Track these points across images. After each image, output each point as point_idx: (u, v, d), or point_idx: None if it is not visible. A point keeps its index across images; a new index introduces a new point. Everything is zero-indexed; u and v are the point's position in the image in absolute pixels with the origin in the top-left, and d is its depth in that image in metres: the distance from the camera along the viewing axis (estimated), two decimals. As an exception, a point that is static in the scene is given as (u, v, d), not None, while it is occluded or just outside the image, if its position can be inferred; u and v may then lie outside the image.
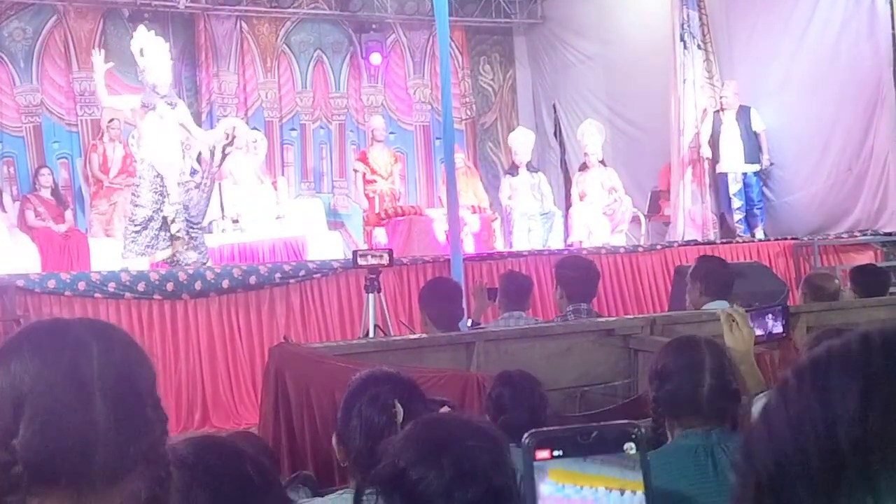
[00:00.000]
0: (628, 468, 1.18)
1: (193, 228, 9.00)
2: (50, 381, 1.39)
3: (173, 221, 8.77)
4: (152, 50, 8.88)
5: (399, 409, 2.49)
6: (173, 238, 8.85)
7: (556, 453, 1.17)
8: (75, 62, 12.26)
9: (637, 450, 1.18)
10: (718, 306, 5.31)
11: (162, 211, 8.75)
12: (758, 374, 2.94)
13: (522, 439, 1.18)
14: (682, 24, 11.77)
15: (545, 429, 1.20)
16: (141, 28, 9.16)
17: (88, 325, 1.48)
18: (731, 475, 2.46)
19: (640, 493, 1.17)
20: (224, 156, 9.21)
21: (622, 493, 1.17)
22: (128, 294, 7.84)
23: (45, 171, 11.12)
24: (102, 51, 9.41)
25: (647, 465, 1.19)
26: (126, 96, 9.08)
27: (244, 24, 13.34)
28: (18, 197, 11.31)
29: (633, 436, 1.19)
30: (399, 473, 1.76)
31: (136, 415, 1.43)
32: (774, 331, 3.27)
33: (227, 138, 9.22)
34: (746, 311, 3.17)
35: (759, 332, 3.19)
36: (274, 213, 11.55)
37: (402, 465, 1.76)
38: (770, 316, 3.27)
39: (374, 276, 6.27)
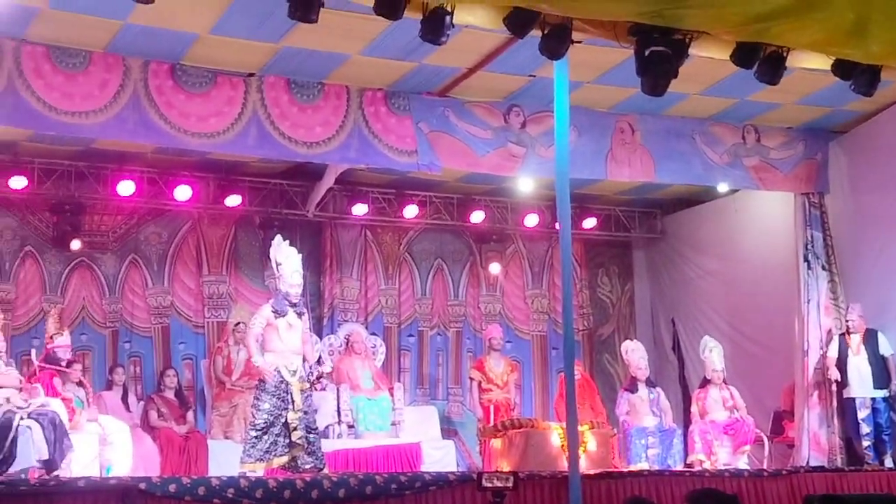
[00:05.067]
0: None
1: (312, 433, 9.07)
2: None
3: (295, 429, 8.85)
4: (288, 261, 9.20)
5: None
6: (292, 444, 8.91)
7: None
8: (206, 266, 12.69)
9: None
10: None
11: (283, 417, 8.85)
12: None
13: None
14: (807, 245, 11.74)
15: None
16: (277, 238, 9.49)
17: None
18: None
19: None
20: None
21: None
22: (245, 501, 7.82)
23: (170, 372, 11.34)
24: None
25: None
26: (261, 313, 9.30)
27: (369, 233, 13.69)
28: (143, 396, 11.55)
29: None
30: None
31: None
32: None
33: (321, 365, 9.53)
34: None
35: None
36: (389, 419, 11.57)
37: None
38: None
39: (498, 499, 6.19)
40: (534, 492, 8.70)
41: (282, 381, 8.92)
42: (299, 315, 9.21)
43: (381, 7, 6.82)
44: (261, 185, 12.71)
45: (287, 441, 8.92)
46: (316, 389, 9.52)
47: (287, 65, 9.68)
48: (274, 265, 9.37)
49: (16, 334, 11.35)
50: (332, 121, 10.15)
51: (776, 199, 12.57)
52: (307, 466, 8.93)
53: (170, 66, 9.48)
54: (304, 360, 9.25)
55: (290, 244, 9.43)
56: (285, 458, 8.95)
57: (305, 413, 9.02)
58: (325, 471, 9.04)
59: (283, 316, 9.07)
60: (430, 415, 12.62)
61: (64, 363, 9.51)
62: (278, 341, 9.05)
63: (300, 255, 9.46)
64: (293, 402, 8.92)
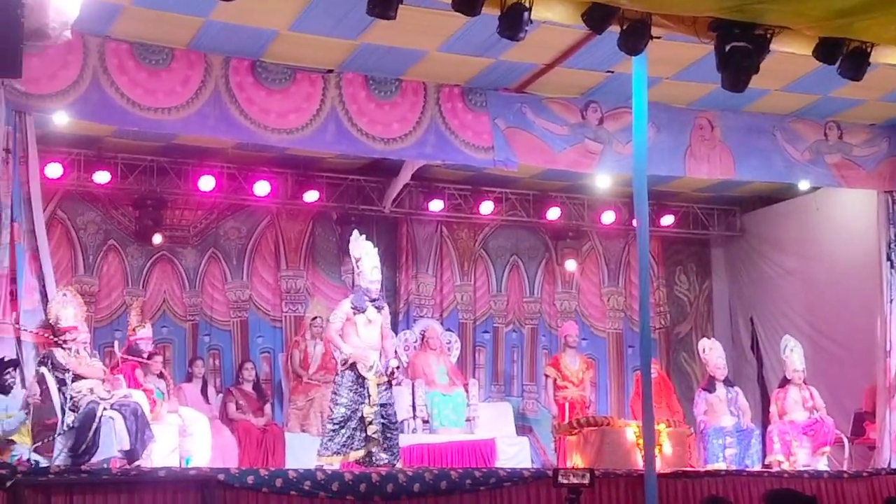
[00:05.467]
0: None
1: (389, 429, 9.11)
2: None
3: (371, 423, 8.91)
4: (367, 256, 9.27)
5: None
6: (368, 439, 8.97)
7: None
8: (284, 261, 12.82)
9: None
10: None
11: (360, 411, 8.92)
12: None
13: None
14: (889, 244, 11.53)
15: None
16: (355, 233, 9.57)
17: None
18: None
19: None
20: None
21: None
22: (322, 493, 7.94)
23: (248, 365, 11.47)
24: None
25: None
26: (341, 308, 9.37)
27: (444, 229, 13.71)
28: (221, 389, 11.68)
29: None
30: None
31: None
32: None
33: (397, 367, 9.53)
34: None
35: None
36: (464, 415, 11.59)
37: None
38: None
39: (574, 496, 6.19)
40: (609, 490, 8.70)
41: (359, 376, 8.99)
42: (379, 310, 9.27)
43: (460, 3, 6.84)
44: (338, 181, 12.80)
45: (363, 435, 8.97)
46: (392, 384, 9.56)
47: (365, 61, 9.74)
48: (353, 261, 9.42)
49: (98, 326, 11.55)
50: (409, 117, 10.20)
51: (858, 196, 12.37)
52: (381, 463, 8.97)
53: (250, 62, 9.60)
54: (383, 354, 9.29)
55: (367, 239, 9.49)
56: (361, 452, 9.01)
57: (382, 406, 9.06)
58: (399, 465, 9.08)
59: (363, 312, 9.12)
60: (504, 411, 12.61)
61: (145, 355, 9.69)
62: (355, 337, 9.11)
63: (375, 248, 9.51)
64: (369, 396, 8.97)
